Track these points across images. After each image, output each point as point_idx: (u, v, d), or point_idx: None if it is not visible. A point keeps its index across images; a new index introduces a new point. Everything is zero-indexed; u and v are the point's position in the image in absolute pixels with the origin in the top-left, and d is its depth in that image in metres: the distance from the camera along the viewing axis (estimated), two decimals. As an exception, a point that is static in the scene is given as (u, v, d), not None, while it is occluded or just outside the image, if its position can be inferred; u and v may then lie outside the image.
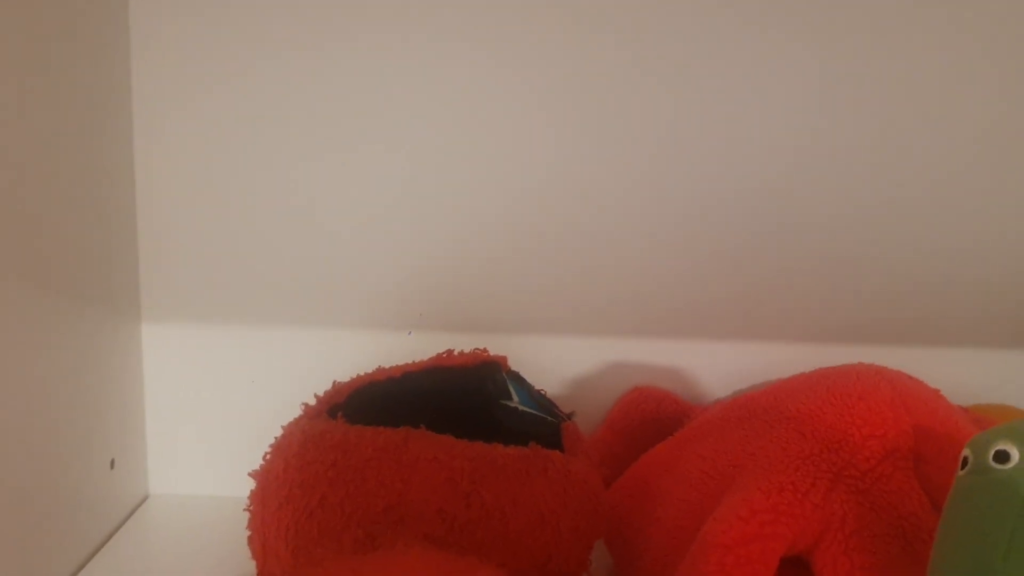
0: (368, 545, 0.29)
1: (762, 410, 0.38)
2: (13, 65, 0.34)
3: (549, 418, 0.39)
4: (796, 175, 0.47)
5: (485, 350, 0.41)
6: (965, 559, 0.26)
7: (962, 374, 0.48)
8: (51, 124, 0.37)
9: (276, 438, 0.35)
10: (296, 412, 0.38)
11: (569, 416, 0.39)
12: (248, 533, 0.34)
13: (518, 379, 0.40)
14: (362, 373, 0.40)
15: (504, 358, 0.41)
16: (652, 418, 0.46)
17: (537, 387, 0.41)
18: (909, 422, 0.35)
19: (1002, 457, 0.26)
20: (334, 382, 0.39)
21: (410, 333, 0.48)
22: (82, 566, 0.42)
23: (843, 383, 0.37)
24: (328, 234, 0.47)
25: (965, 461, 0.27)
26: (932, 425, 0.35)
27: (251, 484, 0.35)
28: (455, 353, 0.40)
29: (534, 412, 0.39)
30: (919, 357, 0.48)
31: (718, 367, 0.49)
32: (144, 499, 0.49)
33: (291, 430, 0.35)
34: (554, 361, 0.49)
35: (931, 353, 0.48)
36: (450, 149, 0.46)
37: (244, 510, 0.34)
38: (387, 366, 0.40)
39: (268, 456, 0.35)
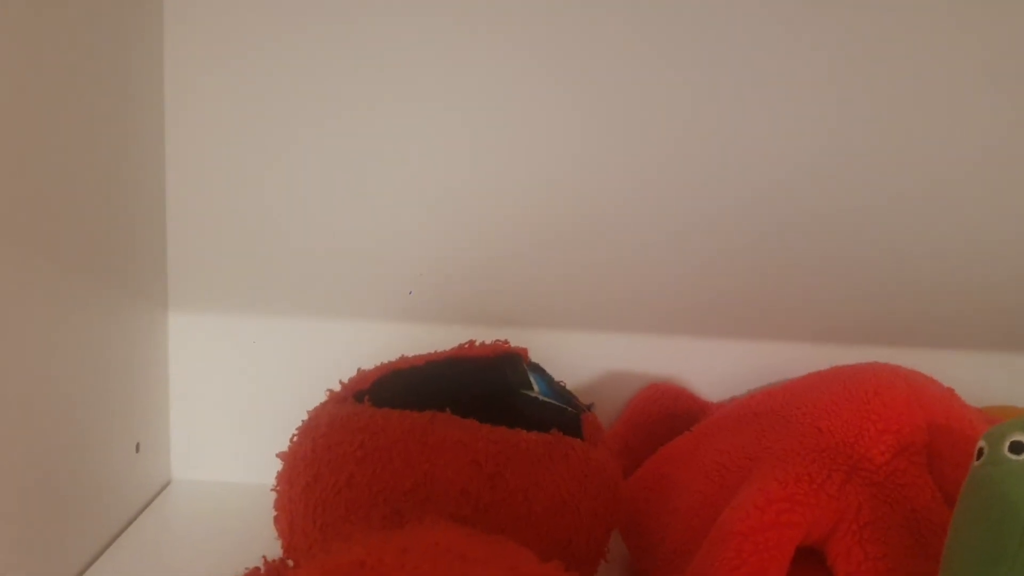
0: (396, 522, 0.30)
1: (779, 406, 0.39)
2: (44, 50, 0.35)
3: (569, 409, 0.39)
4: (814, 175, 0.47)
5: (506, 341, 0.41)
6: (980, 547, 0.26)
7: (971, 376, 0.48)
8: (81, 112, 0.38)
9: (303, 422, 0.36)
10: (317, 401, 0.39)
11: (589, 407, 0.39)
12: (274, 513, 0.35)
13: (539, 370, 0.41)
14: (385, 361, 0.41)
15: (525, 350, 0.41)
16: (668, 414, 0.47)
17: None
18: (924, 418, 0.36)
19: (1018, 448, 0.27)
20: (359, 369, 0.40)
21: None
22: (105, 548, 0.42)
23: (859, 380, 0.38)
24: (351, 227, 0.48)
25: (980, 452, 0.28)
26: (946, 422, 0.36)
27: (271, 471, 0.36)
28: (476, 344, 0.41)
29: (554, 402, 0.40)
30: (930, 358, 0.48)
31: (734, 365, 0.49)
32: (166, 484, 0.50)
33: (318, 413, 0.36)
34: (571, 356, 0.49)
35: (942, 355, 0.49)
36: (474, 143, 0.47)
37: (271, 490, 0.35)
38: (410, 355, 0.41)
39: (295, 438, 0.35)
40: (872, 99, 0.47)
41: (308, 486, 0.32)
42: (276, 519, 0.35)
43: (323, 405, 0.36)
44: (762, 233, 0.48)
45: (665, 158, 0.47)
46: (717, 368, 0.49)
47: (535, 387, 0.40)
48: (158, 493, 0.49)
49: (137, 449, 0.46)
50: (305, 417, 0.37)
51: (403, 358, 0.40)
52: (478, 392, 0.40)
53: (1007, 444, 0.27)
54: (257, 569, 0.28)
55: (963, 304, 0.49)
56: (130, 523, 0.45)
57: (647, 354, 0.49)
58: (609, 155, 0.47)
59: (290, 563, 0.28)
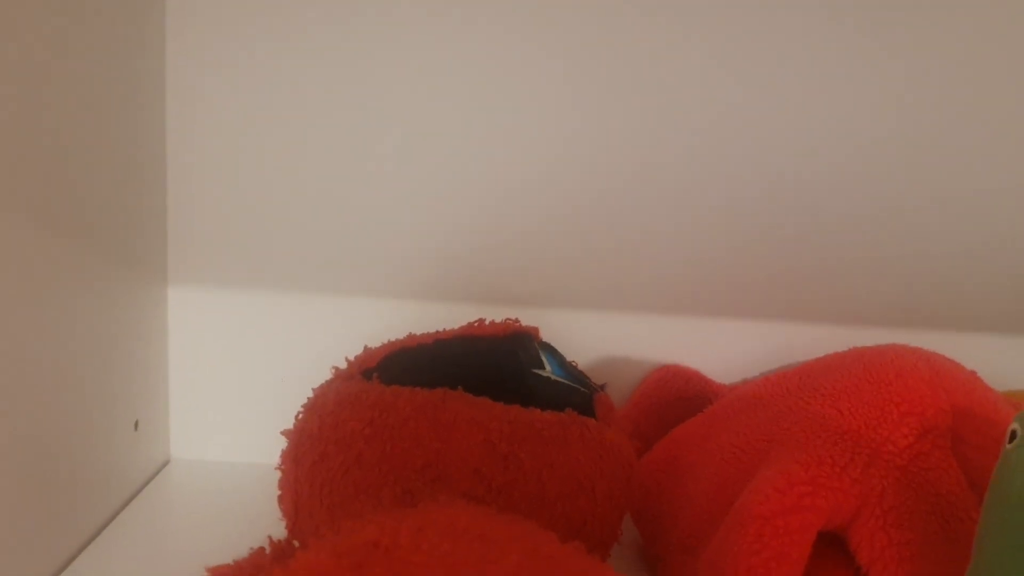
0: (407, 501, 0.29)
1: (796, 387, 0.38)
2: (49, 26, 0.34)
3: (582, 389, 0.38)
4: (832, 158, 0.46)
5: (517, 320, 0.40)
6: (1014, 530, 0.25)
7: (994, 359, 0.47)
8: (82, 84, 0.37)
9: (308, 398, 0.35)
10: (319, 379, 0.38)
11: (601, 388, 0.38)
12: (278, 493, 0.34)
13: (550, 350, 0.40)
14: (392, 339, 0.40)
15: (536, 329, 0.40)
16: (679, 396, 0.46)
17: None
18: (947, 401, 0.35)
19: (1052, 430, 0.26)
20: (365, 347, 0.39)
21: None
22: (103, 528, 0.41)
23: (880, 361, 0.37)
24: (356, 202, 0.47)
25: (1013, 435, 0.27)
26: (970, 405, 0.35)
27: (272, 450, 0.35)
28: (486, 323, 0.40)
29: (567, 382, 0.39)
30: (953, 341, 0.47)
31: (747, 347, 0.48)
32: (165, 463, 0.49)
33: (324, 390, 0.35)
34: (581, 336, 0.48)
35: (964, 338, 0.48)
36: (485, 118, 0.46)
37: (275, 468, 0.34)
38: (418, 333, 0.40)
39: (301, 415, 0.34)
40: (909, 90, 0.46)
41: (315, 464, 0.31)
42: (280, 498, 0.34)
43: (329, 382, 0.35)
44: (778, 212, 0.47)
45: (681, 139, 0.46)
46: (729, 350, 0.48)
47: (547, 366, 0.39)
48: (157, 472, 0.48)
49: (136, 427, 0.44)
50: (309, 395, 0.36)
51: (411, 336, 0.39)
52: (489, 371, 0.39)
53: (1042, 426, 0.26)
54: (262, 549, 0.27)
55: (986, 287, 0.48)
56: (129, 502, 0.44)
57: (658, 335, 0.48)
58: (623, 136, 0.46)
59: (296, 543, 0.27)
